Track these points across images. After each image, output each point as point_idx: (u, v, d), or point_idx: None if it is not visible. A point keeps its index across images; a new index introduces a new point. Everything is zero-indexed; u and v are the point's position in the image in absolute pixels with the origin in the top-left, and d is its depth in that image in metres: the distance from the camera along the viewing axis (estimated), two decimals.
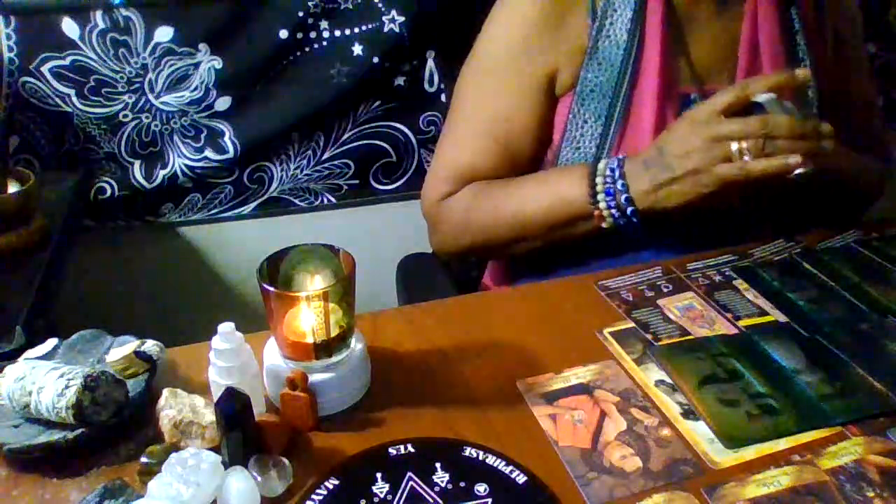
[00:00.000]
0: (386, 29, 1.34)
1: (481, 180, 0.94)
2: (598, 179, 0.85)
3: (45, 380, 0.61)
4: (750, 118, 0.78)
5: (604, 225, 0.86)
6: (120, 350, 0.67)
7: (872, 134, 1.05)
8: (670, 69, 0.89)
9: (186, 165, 1.37)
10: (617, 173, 0.84)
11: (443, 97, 1.42)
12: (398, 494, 0.58)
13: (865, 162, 1.00)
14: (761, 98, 0.79)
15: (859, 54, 1.03)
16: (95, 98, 1.28)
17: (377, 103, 1.40)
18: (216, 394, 0.61)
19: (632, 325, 0.77)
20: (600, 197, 0.85)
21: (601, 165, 0.86)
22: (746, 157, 0.77)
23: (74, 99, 1.27)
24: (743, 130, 0.77)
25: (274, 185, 1.44)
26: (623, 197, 0.84)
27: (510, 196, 0.91)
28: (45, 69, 1.24)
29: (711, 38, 0.91)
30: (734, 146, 0.77)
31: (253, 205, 1.45)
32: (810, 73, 0.81)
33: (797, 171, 0.78)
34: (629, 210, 0.84)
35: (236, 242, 1.48)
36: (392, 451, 0.62)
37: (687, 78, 0.91)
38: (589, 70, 0.90)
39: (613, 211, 0.85)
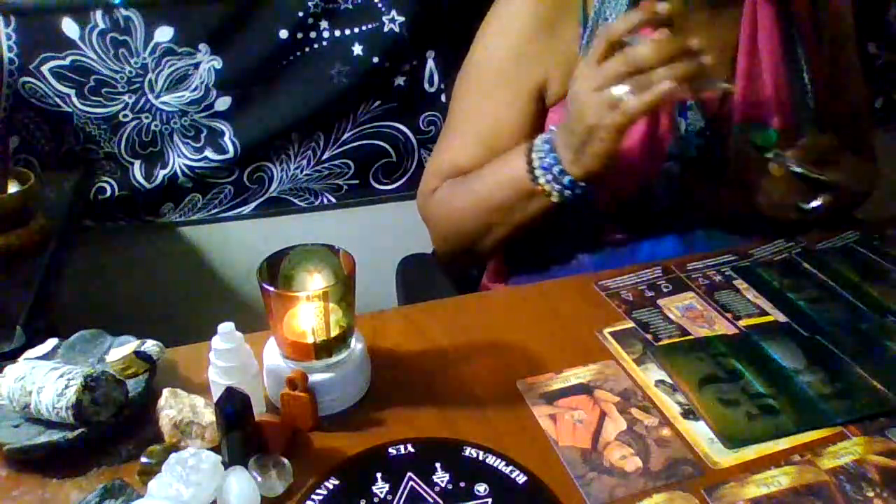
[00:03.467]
0: (386, 29, 1.34)
1: None
2: (535, 155, 0.84)
3: (45, 380, 0.61)
4: (617, 54, 0.75)
5: (553, 199, 0.84)
6: (120, 350, 0.67)
7: (863, 135, 1.05)
8: None
9: (186, 165, 1.37)
10: (548, 146, 0.83)
11: (443, 97, 1.42)
12: (398, 494, 0.58)
13: (861, 164, 1.00)
14: (628, 38, 0.76)
15: (853, 58, 1.03)
16: (95, 98, 1.28)
17: (377, 103, 1.40)
18: (216, 394, 0.61)
19: (632, 325, 0.77)
20: (538, 172, 0.83)
21: (538, 141, 0.85)
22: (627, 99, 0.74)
23: (74, 99, 1.27)
24: (612, 66, 0.75)
25: (274, 185, 1.44)
26: (556, 169, 0.82)
27: (474, 182, 0.91)
28: (45, 69, 1.24)
29: (705, 44, 0.90)
30: (616, 91, 0.75)
31: (253, 205, 1.45)
32: (667, 6, 0.77)
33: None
34: (567, 181, 0.82)
35: (236, 242, 1.48)
36: (392, 451, 0.62)
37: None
38: None
39: (554, 185, 0.83)
